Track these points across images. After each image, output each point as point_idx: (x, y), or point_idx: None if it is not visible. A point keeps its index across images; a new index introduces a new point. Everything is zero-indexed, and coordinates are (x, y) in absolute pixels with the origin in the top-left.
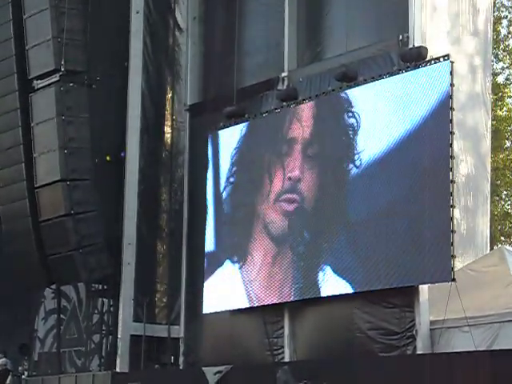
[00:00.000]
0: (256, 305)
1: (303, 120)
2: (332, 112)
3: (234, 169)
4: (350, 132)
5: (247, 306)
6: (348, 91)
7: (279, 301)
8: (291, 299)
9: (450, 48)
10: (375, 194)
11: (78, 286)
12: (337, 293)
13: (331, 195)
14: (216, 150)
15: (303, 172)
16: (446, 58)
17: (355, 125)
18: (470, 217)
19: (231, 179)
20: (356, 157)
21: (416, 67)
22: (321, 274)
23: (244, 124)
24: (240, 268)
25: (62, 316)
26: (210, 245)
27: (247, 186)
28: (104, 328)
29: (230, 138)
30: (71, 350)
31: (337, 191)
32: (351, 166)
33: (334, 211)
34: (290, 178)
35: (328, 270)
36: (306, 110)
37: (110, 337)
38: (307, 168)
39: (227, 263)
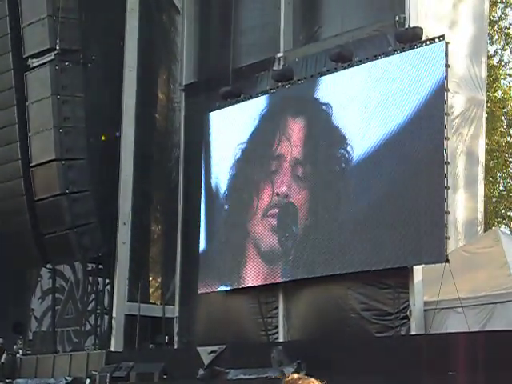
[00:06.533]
0: (250, 285)
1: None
2: (324, 96)
3: (232, 147)
4: (341, 115)
5: (241, 286)
6: (341, 72)
7: (273, 275)
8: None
9: (446, 29)
10: (364, 172)
11: (74, 266)
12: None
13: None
14: (212, 129)
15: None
16: (441, 38)
17: (346, 109)
18: (465, 198)
19: (227, 157)
20: (349, 141)
21: (411, 48)
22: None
23: (239, 104)
24: (232, 241)
25: (59, 295)
26: (203, 220)
27: (244, 166)
28: (99, 307)
29: (226, 117)
30: (69, 329)
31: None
32: (344, 151)
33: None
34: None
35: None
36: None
37: (106, 316)
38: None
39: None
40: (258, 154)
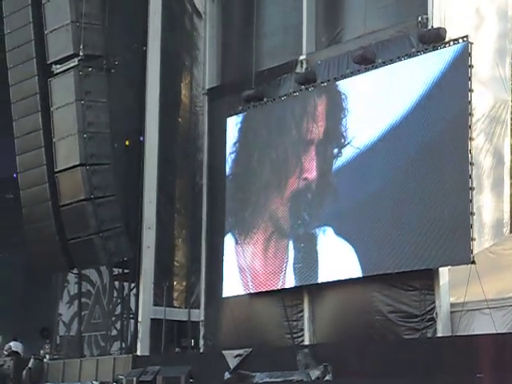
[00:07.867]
0: (275, 288)
1: (316, 111)
2: (343, 95)
3: (251, 151)
4: (365, 117)
5: (266, 289)
6: (364, 74)
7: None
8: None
9: (469, 29)
10: (389, 173)
11: (101, 271)
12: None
13: (338, 176)
14: (235, 132)
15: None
16: (464, 39)
17: (366, 107)
18: (491, 199)
19: (248, 162)
20: (371, 143)
21: (435, 49)
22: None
23: (261, 107)
24: (243, 252)
25: (86, 300)
26: (228, 227)
27: (268, 168)
28: (125, 312)
29: (248, 121)
30: (96, 334)
31: (343, 170)
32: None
33: (344, 190)
34: (305, 179)
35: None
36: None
37: (132, 320)
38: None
39: (239, 246)
40: (282, 156)
